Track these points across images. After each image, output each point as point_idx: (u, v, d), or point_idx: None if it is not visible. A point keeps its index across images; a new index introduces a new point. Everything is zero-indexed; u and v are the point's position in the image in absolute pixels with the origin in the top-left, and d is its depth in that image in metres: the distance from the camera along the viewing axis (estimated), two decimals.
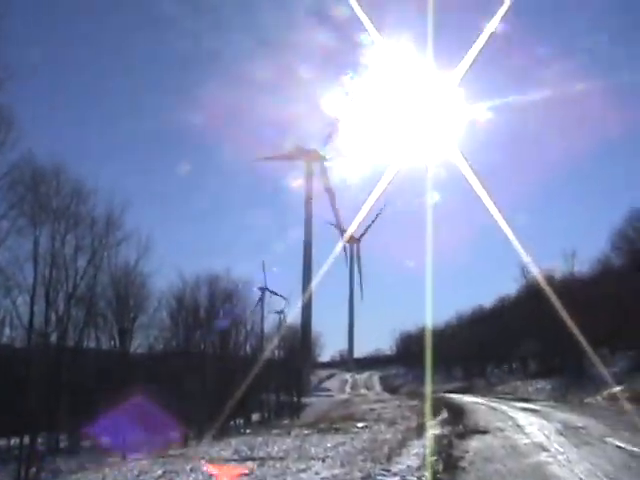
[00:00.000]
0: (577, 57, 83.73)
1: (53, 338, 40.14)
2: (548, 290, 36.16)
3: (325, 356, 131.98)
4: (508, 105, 63.66)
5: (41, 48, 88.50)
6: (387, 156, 59.41)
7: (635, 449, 13.30)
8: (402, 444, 16.95)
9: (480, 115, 47.89)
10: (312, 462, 14.27)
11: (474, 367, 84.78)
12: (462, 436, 18.27)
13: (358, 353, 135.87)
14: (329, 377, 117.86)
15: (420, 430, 21.10)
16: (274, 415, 61.16)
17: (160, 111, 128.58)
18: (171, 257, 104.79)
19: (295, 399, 65.39)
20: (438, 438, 17.93)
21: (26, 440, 34.74)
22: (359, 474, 11.99)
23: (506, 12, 25.67)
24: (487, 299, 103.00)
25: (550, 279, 46.94)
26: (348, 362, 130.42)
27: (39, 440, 36.64)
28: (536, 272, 51.03)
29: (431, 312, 65.03)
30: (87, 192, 42.05)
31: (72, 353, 41.98)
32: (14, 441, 37.68)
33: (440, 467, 12.47)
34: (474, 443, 16.51)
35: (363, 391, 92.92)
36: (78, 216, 41.48)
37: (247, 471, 11.40)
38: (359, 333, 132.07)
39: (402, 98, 37.54)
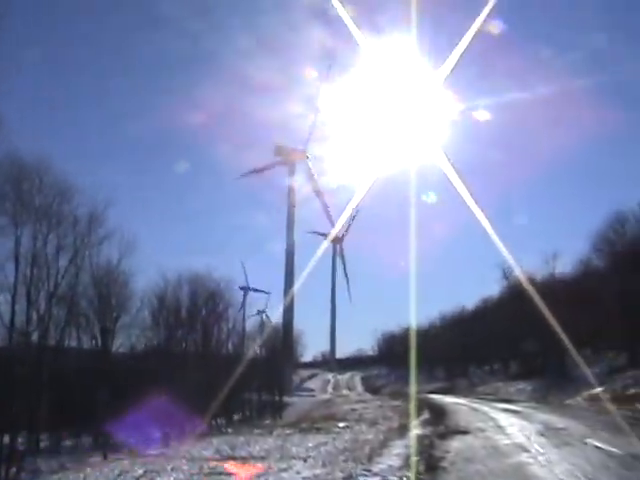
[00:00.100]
0: (561, 58, 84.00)
1: (34, 337, 39.77)
2: (531, 290, 36.30)
3: (307, 356, 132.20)
4: (490, 106, 63.98)
5: (41, 48, 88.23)
6: (372, 155, 59.34)
7: (614, 450, 13.41)
8: (383, 444, 17.01)
9: (463, 116, 47.92)
10: (294, 462, 14.29)
11: (456, 368, 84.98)
12: (443, 436, 18.36)
13: (340, 353, 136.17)
14: (311, 377, 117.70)
15: (401, 430, 21.18)
16: (256, 414, 60.90)
17: (160, 111, 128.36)
18: (165, 259, 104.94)
19: (277, 399, 65.22)
20: (419, 438, 18.01)
21: (6, 440, 34.44)
22: (340, 474, 12.02)
23: (492, 10, 25.67)
24: (469, 300, 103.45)
25: (531, 281, 47.16)
26: (330, 362, 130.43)
27: (19, 440, 36.32)
28: (518, 273, 51.35)
29: (415, 313, 65.25)
30: (71, 191, 41.70)
31: (53, 352, 41.67)
32: None
33: (422, 467, 12.52)
34: (455, 443, 16.59)
35: (345, 391, 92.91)
36: (61, 215, 41.11)
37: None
38: (341, 333, 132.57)
39: (392, 98, 37.50)
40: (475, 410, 31.70)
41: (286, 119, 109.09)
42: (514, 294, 55.10)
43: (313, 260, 69.35)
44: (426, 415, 28.68)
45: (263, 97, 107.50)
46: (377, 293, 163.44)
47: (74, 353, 45.83)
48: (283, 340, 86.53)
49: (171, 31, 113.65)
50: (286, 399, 68.93)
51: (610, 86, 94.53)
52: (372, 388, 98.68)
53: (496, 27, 40.52)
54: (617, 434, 16.42)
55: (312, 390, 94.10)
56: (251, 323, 73.71)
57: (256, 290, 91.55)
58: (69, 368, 43.95)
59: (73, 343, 45.11)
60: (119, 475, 14.67)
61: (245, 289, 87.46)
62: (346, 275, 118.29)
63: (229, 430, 41.95)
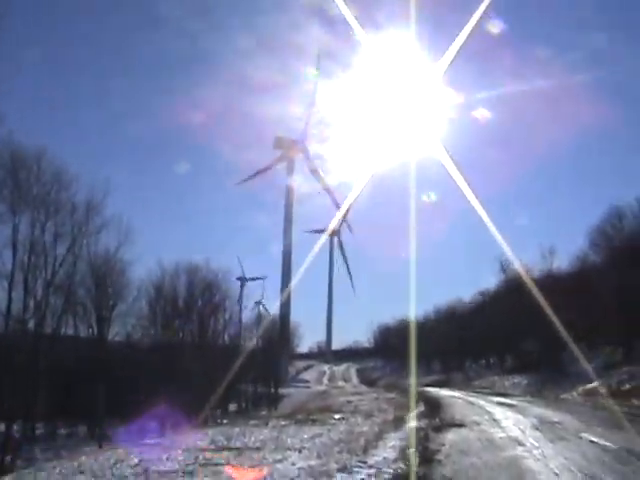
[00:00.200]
0: (560, 56, 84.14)
1: (31, 325, 39.75)
2: (529, 282, 36.30)
3: (303, 347, 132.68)
4: (488, 101, 63.98)
5: (41, 48, 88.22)
6: (372, 151, 59.34)
7: (608, 444, 13.43)
8: (379, 436, 17.02)
9: (462, 112, 47.82)
10: (289, 453, 14.30)
11: (452, 361, 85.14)
12: (439, 429, 18.39)
13: (336, 345, 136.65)
14: (307, 368, 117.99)
15: (397, 423, 21.20)
16: (252, 406, 61.08)
17: (160, 111, 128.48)
18: (165, 259, 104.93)
19: (273, 390, 65.36)
20: (415, 431, 18.01)
21: (1, 427, 34.47)
22: (335, 465, 12.02)
23: (491, 9, 25.62)
24: (466, 293, 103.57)
25: (529, 275, 47.18)
26: (326, 354, 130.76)
27: (15, 427, 36.34)
28: (516, 266, 51.37)
29: (414, 305, 65.33)
30: (68, 178, 41.64)
31: (50, 340, 41.66)
32: None
33: (417, 460, 12.53)
34: (450, 436, 16.61)
35: (341, 383, 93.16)
36: (58, 203, 41.04)
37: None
38: (337, 325, 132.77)
39: (391, 94, 37.40)
40: (471, 403, 31.78)
41: (286, 118, 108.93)
42: (511, 287, 55.19)
43: (310, 255, 69.37)
44: (422, 408, 28.73)
45: (263, 96, 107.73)
46: (374, 285, 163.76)
47: (70, 341, 45.83)
48: (280, 332, 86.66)
49: (171, 31, 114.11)
50: (282, 390, 69.18)
51: (609, 83, 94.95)
52: (368, 380, 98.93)
53: (495, 26, 40.38)
54: (612, 429, 16.46)
55: (308, 381, 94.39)
56: (248, 315, 73.73)
57: (252, 279, 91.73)
58: (65, 356, 43.95)
59: (70, 331, 45.14)
60: (114, 464, 14.64)
61: (242, 279, 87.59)
62: (348, 269, 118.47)
63: (225, 421, 42.01)
